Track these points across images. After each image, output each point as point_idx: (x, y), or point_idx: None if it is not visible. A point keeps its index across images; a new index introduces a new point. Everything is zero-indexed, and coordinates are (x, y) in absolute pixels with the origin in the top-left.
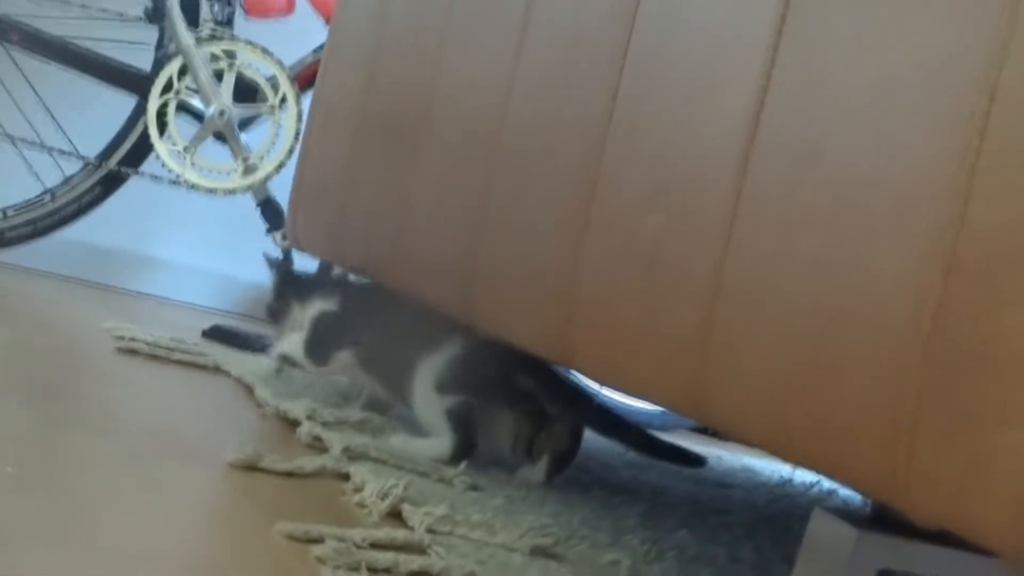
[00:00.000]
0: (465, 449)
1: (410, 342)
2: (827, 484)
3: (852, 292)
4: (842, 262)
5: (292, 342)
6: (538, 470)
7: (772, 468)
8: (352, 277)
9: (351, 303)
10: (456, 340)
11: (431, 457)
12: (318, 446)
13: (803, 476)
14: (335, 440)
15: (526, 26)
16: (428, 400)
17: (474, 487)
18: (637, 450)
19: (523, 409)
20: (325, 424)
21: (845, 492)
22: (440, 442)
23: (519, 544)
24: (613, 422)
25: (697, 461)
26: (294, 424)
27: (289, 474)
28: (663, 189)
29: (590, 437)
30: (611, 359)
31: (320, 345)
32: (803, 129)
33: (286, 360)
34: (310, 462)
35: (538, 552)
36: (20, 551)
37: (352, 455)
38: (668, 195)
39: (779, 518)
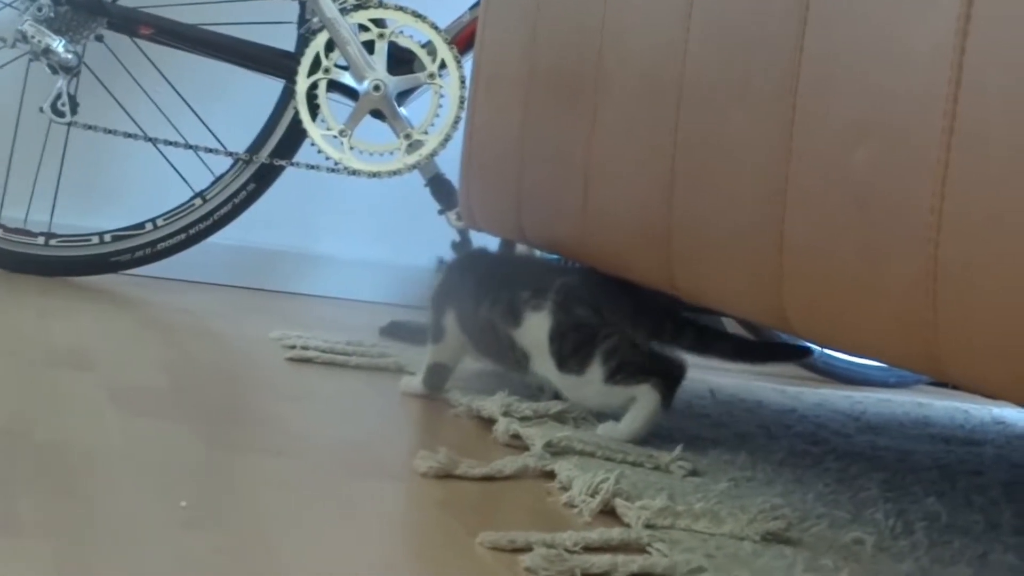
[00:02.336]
0: (671, 382)
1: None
2: None
3: None
4: None
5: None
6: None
7: None
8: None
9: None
10: (539, 303)
11: (645, 425)
12: (517, 444)
13: None
14: (535, 436)
15: None
16: (571, 385)
17: (694, 472)
18: (733, 360)
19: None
20: (523, 419)
21: None
22: (639, 405)
23: (749, 531)
24: (705, 337)
25: (803, 351)
26: (489, 423)
27: (488, 478)
28: (870, 117)
29: (814, 407)
30: (828, 316)
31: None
32: (1020, 43)
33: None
34: (510, 463)
35: (771, 538)
36: None
37: (555, 450)
38: (876, 124)
39: None
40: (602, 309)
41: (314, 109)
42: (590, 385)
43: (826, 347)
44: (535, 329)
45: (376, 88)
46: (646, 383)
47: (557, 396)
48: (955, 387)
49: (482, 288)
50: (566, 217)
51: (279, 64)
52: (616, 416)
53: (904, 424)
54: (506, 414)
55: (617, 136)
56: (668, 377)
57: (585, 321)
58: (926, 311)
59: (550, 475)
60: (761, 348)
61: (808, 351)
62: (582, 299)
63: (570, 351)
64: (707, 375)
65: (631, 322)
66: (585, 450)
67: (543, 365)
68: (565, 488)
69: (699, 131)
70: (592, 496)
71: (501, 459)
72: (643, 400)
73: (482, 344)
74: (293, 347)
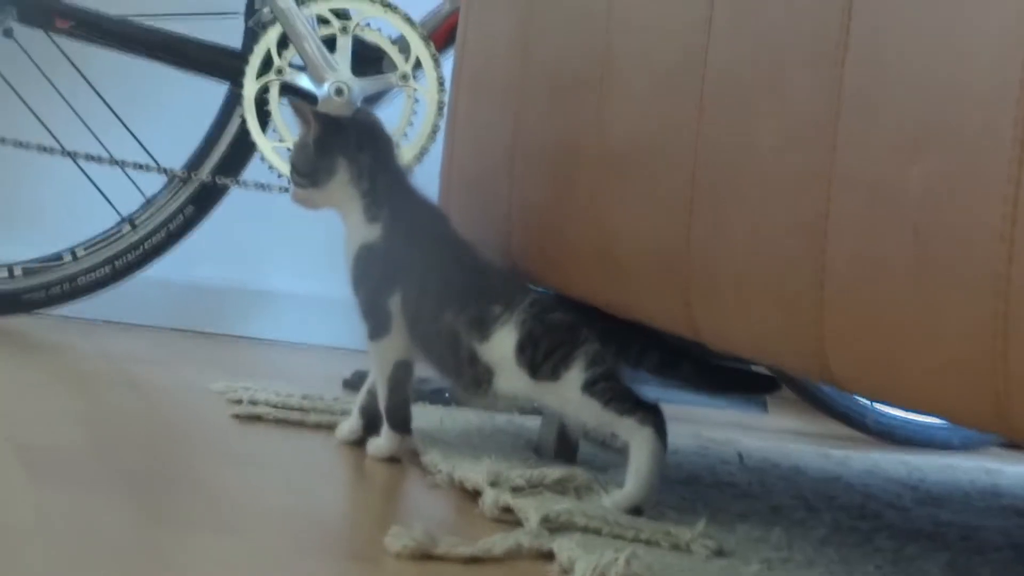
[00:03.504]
0: (659, 415)
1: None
2: None
3: None
4: None
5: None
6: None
7: None
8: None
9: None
10: (508, 317)
11: (651, 473)
12: (509, 519)
13: None
14: (530, 509)
15: None
16: (546, 392)
17: (720, 552)
18: (699, 386)
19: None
20: (515, 489)
21: None
22: (636, 452)
23: None
24: (670, 359)
25: (773, 384)
26: (474, 494)
27: (474, 560)
28: (928, 125)
29: (864, 475)
30: (878, 365)
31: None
32: None
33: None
34: (500, 541)
35: None
36: None
37: (554, 526)
38: (935, 133)
39: None
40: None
41: (264, 117)
42: (566, 391)
43: (877, 401)
44: (502, 343)
45: (338, 92)
46: (631, 417)
47: (562, 447)
48: None
49: (445, 289)
50: (565, 245)
51: (223, 64)
52: (619, 480)
53: (970, 494)
54: (494, 483)
55: (626, 147)
56: (655, 411)
57: (561, 324)
58: (994, 357)
59: (548, 556)
60: (726, 375)
61: (776, 384)
62: (557, 307)
63: (544, 355)
64: (735, 435)
65: (599, 339)
66: (589, 526)
67: (511, 382)
68: (566, 571)
69: (724, 141)
70: None
71: (490, 537)
72: (637, 442)
73: (435, 352)
74: (240, 401)
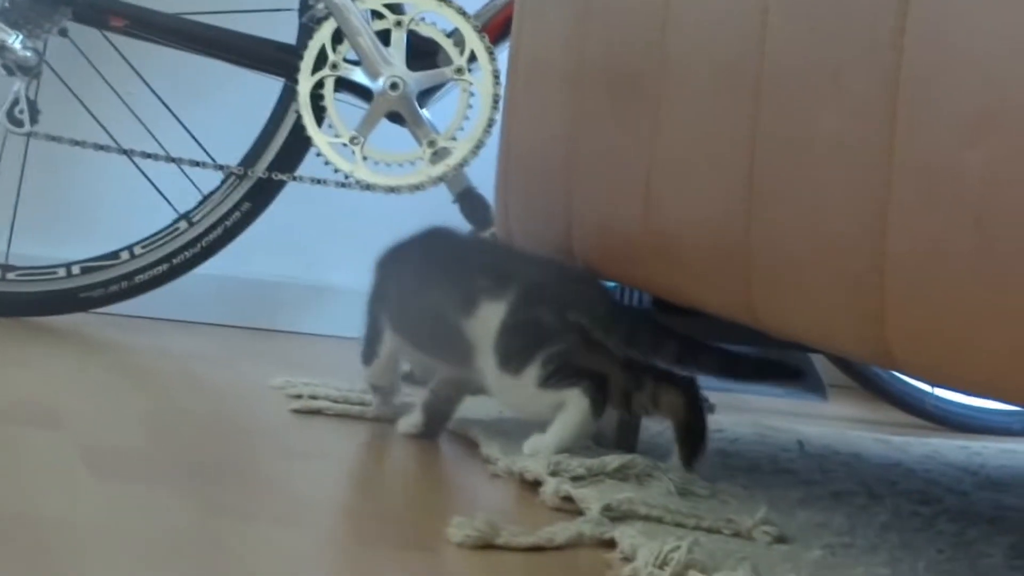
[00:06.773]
0: (599, 404)
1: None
2: None
3: None
4: None
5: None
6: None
7: None
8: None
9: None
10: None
11: (574, 434)
12: (569, 508)
13: None
14: (591, 498)
15: None
16: (506, 386)
17: (782, 538)
18: (721, 375)
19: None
20: (575, 479)
21: None
22: (567, 412)
23: None
24: (689, 349)
25: (796, 372)
26: (535, 484)
27: (536, 548)
28: (989, 108)
29: (924, 460)
30: (939, 349)
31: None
32: None
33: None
34: (562, 530)
35: None
36: None
37: (615, 515)
38: (996, 116)
39: None
40: (568, 311)
41: (320, 112)
42: (523, 388)
43: (939, 386)
44: (488, 320)
45: (393, 86)
46: (576, 387)
47: (622, 436)
48: None
49: (431, 273)
50: (624, 235)
51: (277, 60)
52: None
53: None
54: (555, 473)
55: (684, 137)
56: (606, 382)
57: (541, 321)
58: None
59: (610, 544)
60: (751, 364)
61: (801, 373)
62: (547, 297)
63: (516, 349)
64: (794, 423)
65: (603, 327)
66: (651, 514)
67: (485, 361)
68: (628, 559)
69: (782, 129)
70: (661, 568)
71: (551, 526)
72: (571, 406)
73: (422, 335)
74: (299, 396)
